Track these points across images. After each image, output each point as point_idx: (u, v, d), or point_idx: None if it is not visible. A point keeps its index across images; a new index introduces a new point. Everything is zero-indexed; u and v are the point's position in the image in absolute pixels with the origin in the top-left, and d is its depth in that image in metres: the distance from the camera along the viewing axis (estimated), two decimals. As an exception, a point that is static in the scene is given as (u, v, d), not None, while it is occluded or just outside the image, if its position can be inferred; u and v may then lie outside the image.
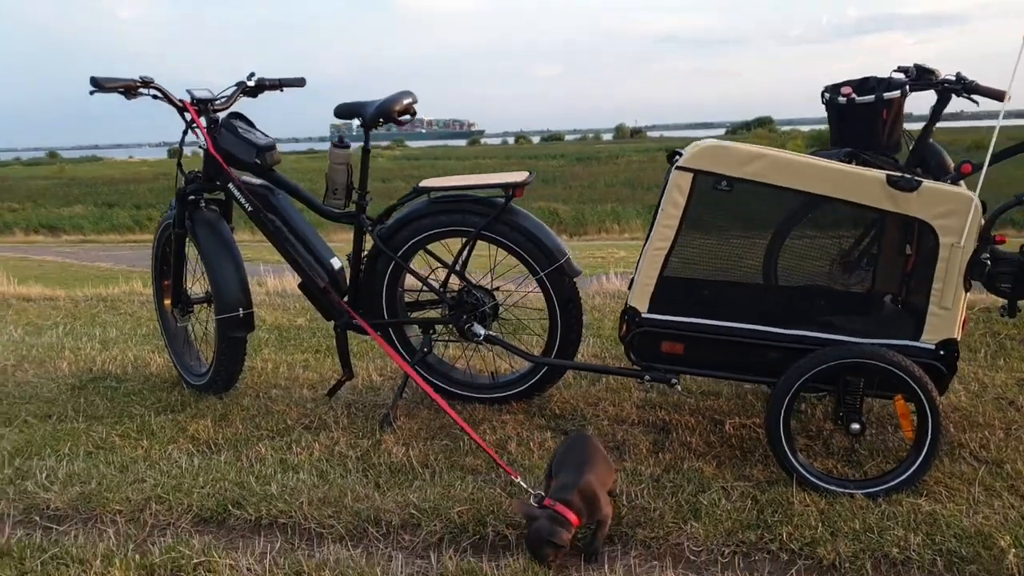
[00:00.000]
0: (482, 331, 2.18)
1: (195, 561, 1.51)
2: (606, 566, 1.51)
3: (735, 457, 1.95)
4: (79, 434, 2.16)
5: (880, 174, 1.72)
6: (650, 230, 1.92)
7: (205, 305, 2.60)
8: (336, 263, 2.35)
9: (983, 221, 1.70)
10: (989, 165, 1.92)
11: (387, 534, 1.64)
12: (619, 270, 4.93)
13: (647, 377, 1.91)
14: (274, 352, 2.96)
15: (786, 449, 1.75)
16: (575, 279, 2.17)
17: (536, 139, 75.38)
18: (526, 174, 2.15)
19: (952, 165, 2.35)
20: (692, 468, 1.87)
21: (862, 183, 1.72)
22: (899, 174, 1.71)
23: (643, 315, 1.87)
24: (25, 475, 1.92)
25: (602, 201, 21.84)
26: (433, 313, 2.37)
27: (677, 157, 1.79)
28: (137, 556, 1.55)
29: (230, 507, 1.73)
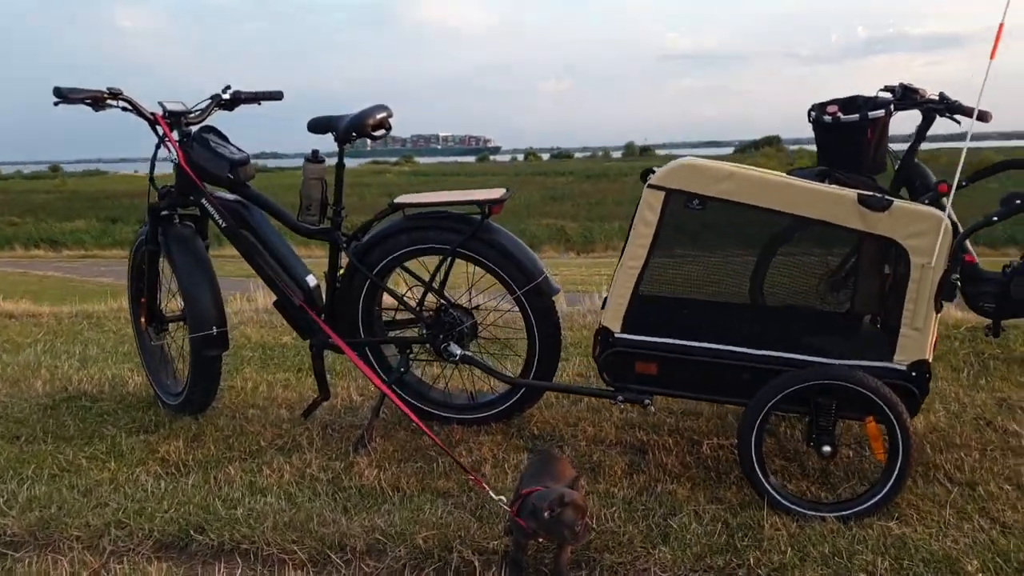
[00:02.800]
0: (458, 351, 2.16)
1: (151, 589, 1.48)
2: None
3: (710, 479, 1.92)
4: (45, 456, 2.14)
5: (851, 193, 1.70)
6: (623, 249, 1.91)
7: (181, 324, 2.58)
8: (312, 280, 2.33)
9: (953, 242, 1.68)
10: (963, 186, 1.91)
11: (350, 560, 1.61)
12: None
13: (620, 398, 1.89)
14: (255, 371, 2.94)
15: (758, 471, 1.73)
16: (553, 297, 2.15)
17: (546, 156, 75.70)
18: (503, 191, 2.14)
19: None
20: (666, 491, 1.84)
21: (833, 202, 1.71)
22: (870, 193, 1.70)
23: (616, 335, 1.85)
24: (-12, 499, 1.90)
25: (610, 219, 21.88)
26: (410, 332, 2.36)
27: (650, 175, 1.78)
28: (93, 584, 1.52)
29: (192, 532, 1.70)
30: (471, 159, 74.64)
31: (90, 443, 2.24)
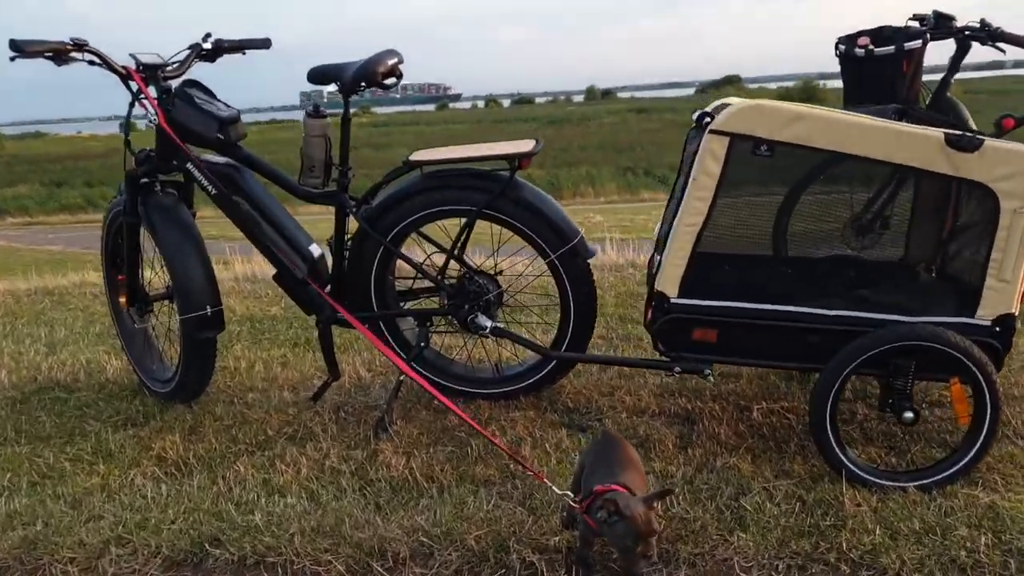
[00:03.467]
0: (488, 323, 1.95)
1: (170, 621, 1.28)
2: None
3: (769, 449, 1.77)
4: (21, 460, 1.89)
5: (937, 133, 1.51)
6: (672, 204, 1.71)
7: (167, 302, 2.31)
8: (316, 250, 2.08)
9: None
10: None
11: (394, 568, 1.43)
12: (615, 236, 4.72)
13: (677, 369, 1.71)
14: (247, 348, 2.69)
15: (833, 444, 1.58)
16: (589, 260, 1.95)
17: (506, 102, 74.08)
18: (532, 142, 1.90)
19: (970, 120, 2.17)
20: (726, 466, 1.69)
21: (917, 144, 1.52)
22: (958, 132, 1.51)
23: (672, 300, 1.65)
24: (-40, 516, 1.65)
25: (576, 164, 21.48)
26: (429, 303, 2.13)
27: (707, 119, 1.56)
28: (101, 616, 1.31)
29: (207, 545, 1.50)
30: (431, 108, 72.81)
31: (71, 442, 2.00)
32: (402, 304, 2.14)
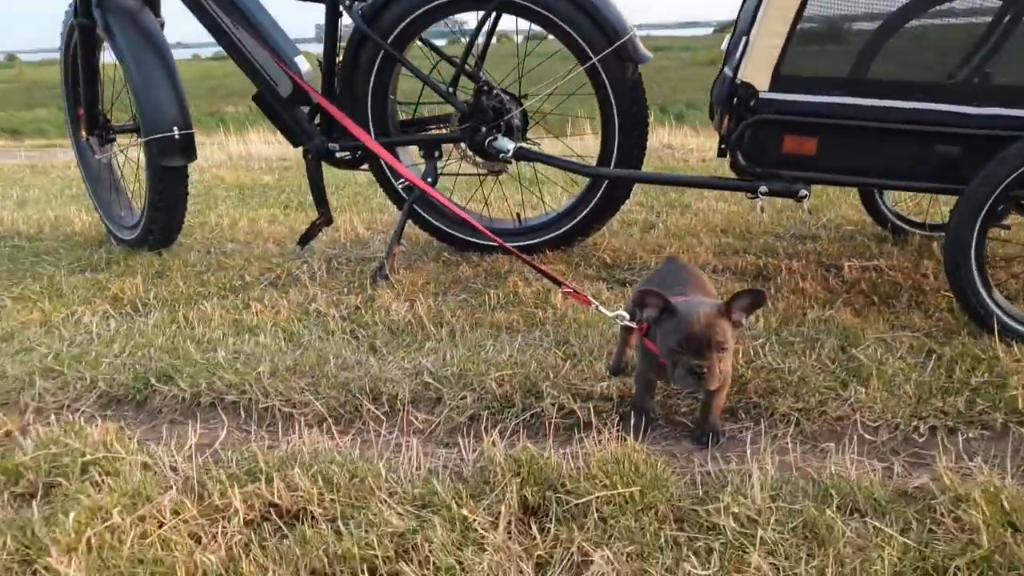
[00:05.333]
0: (510, 144, 1.57)
1: (86, 459, 0.95)
2: (748, 448, 0.97)
3: (873, 304, 1.40)
4: (-46, 295, 1.57)
5: None
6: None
7: (134, 137, 1.95)
8: (304, 64, 1.69)
9: None
10: None
11: (391, 413, 1.09)
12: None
13: (763, 189, 1.32)
14: (232, 208, 2.35)
15: (978, 284, 1.19)
16: (640, 66, 1.54)
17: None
18: None
19: None
20: (820, 318, 1.32)
21: None
22: None
23: (762, 96, 1.25)
24: None
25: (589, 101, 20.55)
26: (437, 131, 1.75)
27: None
28: None
29: (154, 381, 1.17)
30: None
31: (19, 282, 1.67)
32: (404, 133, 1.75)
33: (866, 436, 1.00)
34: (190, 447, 0.99)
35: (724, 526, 0.80)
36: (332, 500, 0.86)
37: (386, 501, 0.86)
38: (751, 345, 1.21)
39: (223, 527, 0.83)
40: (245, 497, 0.86)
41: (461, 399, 1.09)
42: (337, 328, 1.35)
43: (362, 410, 1.09)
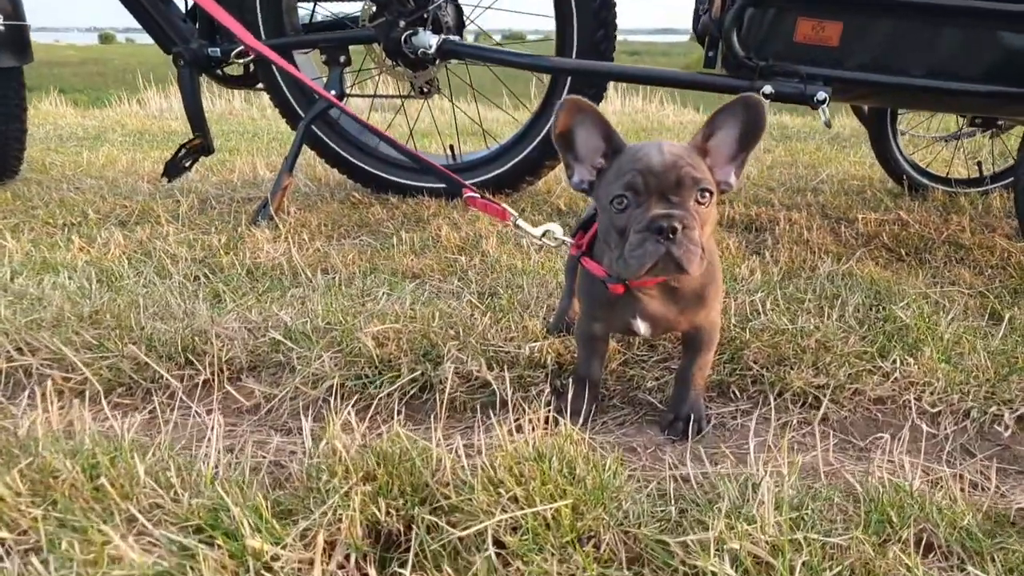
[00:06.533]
0: (433, 38, 1.20)
1: None
2: (749, 442, 0.63)
3: (900, 259, 1.08)
4: None
5: None
6: None
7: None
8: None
9: None
10: None
11: (214, 381, 0.71)
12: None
13: (767, 90, 0.98)
14: (117, 149, 1.95)
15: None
16: None
17: (498, 36, 70.97)
18: None
19: None
20: (835, 272, 0.99)
21: None
22: None
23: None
24: None
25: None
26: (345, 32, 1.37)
27: None
28: None
29: None
30: None
31: None
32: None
33: (923, 427, 0.65)
34: None
35: (714, 574, 0.45)
36: (45, 515, 0.49)
37: (133, 520, 0.49)
38: (745, 300, 0.86)
39: None
40: None
41: (319, 363, 0.72)
42: (179, 272, 0.97)
43: (165, 377, 0.71)
